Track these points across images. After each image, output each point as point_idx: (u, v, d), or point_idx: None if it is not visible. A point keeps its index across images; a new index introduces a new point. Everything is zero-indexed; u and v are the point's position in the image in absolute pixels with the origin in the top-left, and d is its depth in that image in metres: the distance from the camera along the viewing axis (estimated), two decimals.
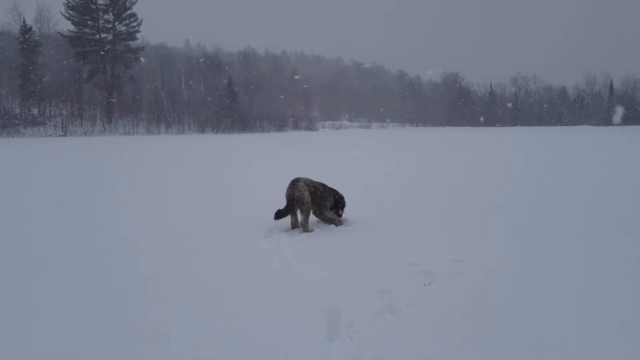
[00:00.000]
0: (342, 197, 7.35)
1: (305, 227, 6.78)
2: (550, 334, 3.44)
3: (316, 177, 7.51)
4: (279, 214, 6.67)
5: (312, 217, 7.18)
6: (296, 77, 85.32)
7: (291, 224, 6.92)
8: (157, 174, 14.31)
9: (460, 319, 3.70)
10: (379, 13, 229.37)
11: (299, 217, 6.92)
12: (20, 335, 3.57)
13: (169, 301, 4.14)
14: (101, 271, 4.98)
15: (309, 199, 6.81)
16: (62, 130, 50.23)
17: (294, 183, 6.85)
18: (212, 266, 5.09)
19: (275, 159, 19.75)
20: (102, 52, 57.24)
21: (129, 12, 59.02)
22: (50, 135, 48.20)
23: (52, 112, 53.83)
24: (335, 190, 7.36)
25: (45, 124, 50.63)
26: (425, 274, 4.69)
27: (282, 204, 6.81)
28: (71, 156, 22.11)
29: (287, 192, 6.84)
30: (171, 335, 3.50)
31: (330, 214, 7.14)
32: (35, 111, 51.72)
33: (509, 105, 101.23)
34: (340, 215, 7.33)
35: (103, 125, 54.89)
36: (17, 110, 50.54)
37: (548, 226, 6.81)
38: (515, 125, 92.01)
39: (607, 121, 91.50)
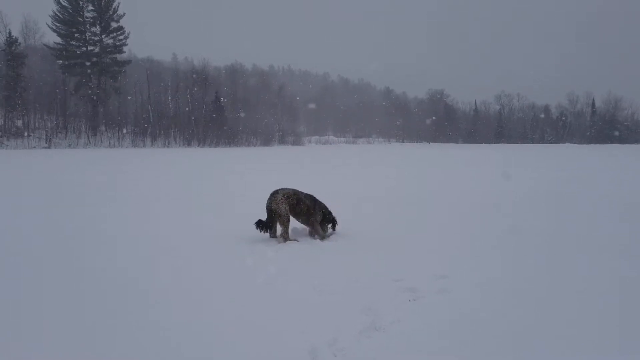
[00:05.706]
0: (330, 213, 7.39)
1: (284, 239, 6.82)
2: (534, 352, 3.47)
3: (306, 190, 7.55)
4: (260, 225, 6.77)
5: (299, 226, 7.32)
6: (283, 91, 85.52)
7: (270, 235, 6.95)
8: (146, 187, 14.19)
9: (443, 336, 3.72)
10: (366, 30, 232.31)
11: (278, 228, 6.99)
12: (22, 338, 3.55)
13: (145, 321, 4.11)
14: (97, 285, 4.92)
15: (287, 211, 6.88)
16: (46, 142, 49.64)
17: (273, 195, 6.98)
18: (197, 283, 5.05)
19: (265, 172, 19.70)
20: (88, 65, 56.89)
21: (116, 25, 58.89)
22: (34, 147, 47.57)
23: (37, 124, 53.20)
24: (323, 204, 7.38)
25: (29, 135, 49.99)
26: (410, 291, 4.71)
27: (263, 215, 6.93)
28: (61, 168, 21.83)
29: (266, 203, 6.96)
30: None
31: (320, 228, 7.16)
32: (19, 123, 51.07)
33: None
34: (331, 230, 7.42)
35: (88, 138, 54.36)
36: (1, 122, 49.86)
37: (540, 244, 6.85)
38: (499, 142, 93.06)
39: (590, 139, 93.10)
